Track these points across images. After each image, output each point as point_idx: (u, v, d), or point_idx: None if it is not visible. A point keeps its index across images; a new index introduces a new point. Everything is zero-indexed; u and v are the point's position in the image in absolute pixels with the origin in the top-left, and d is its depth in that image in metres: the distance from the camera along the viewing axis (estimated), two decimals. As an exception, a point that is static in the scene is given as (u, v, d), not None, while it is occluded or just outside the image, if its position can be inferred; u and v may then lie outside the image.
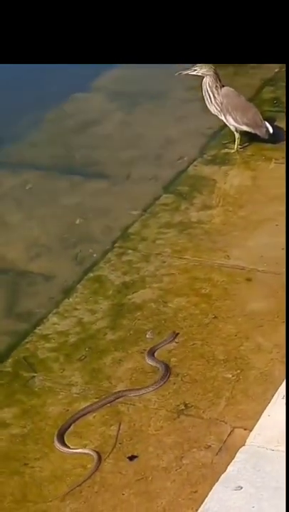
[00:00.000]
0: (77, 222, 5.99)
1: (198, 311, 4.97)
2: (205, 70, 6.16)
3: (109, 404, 4.45)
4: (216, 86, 6.22)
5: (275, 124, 6.59)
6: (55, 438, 4.24)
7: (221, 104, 6.23)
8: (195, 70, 6.16)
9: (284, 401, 3.68)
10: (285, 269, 5.16)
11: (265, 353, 4.61)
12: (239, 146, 6.38)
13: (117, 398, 4.47)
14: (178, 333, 4.81)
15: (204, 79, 6.21)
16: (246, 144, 6.44)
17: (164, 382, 4.48)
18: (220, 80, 6.25)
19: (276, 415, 3.67)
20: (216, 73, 6.20)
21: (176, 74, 6.25)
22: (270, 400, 3.86)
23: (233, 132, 6.41)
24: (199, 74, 6.19)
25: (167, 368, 4.55)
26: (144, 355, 4.69)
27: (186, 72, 6.22)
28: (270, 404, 3.75)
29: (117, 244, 5.64)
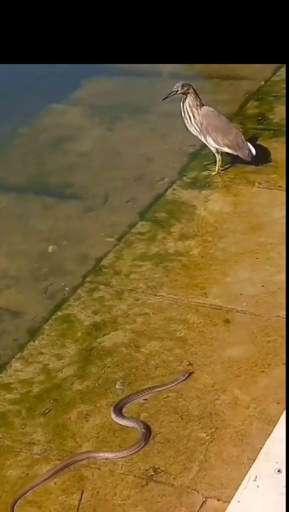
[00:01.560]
0: (50, 250, 5.54)
1: (172, 358, 4.52)
2: (185, 89, 5.66)
3: (72, 468, 3.99)
4: (196, 105, 5.73)
5: (259, 143, 6.10)
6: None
7: (201, 124, 5.74)
8: (176, 90, 5.66)
9: (255, 484, 3.23)
10: (264, 310, 4.71)
11: (242, 409, 4.17)
12: (220, 168, 5.91)
13: (81, 460, 4.01)
14: (192, 373, 4.34)
15: (185, 99, 5.70)
16: (228, 166, 5.96)
17: (143, 446, 4.01)
18: (200, 99, 5.75)
19: (246, 502, 3.21)
20: (195, 92, 5.71)
21: (162, 100, 5.73)
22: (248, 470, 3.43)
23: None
24: (180, 94, 5.68)
25: (147, 429, 4.07)
26: (110, 412, 4.22)
27: (170, 95, 5.70)
28: (240, 489, 3.30)
29: (88, 279, 5.18)
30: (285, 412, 3.58)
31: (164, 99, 5.73)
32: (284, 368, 4.31)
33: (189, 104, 5.75)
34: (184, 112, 5.78)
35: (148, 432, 4.06)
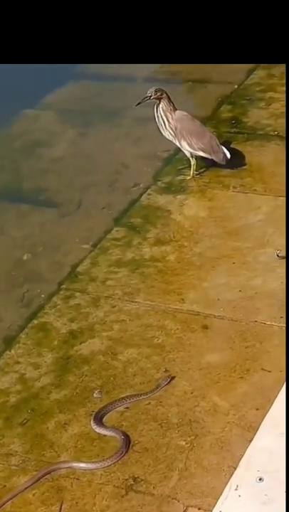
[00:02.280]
0: (25, 257, 5.49)
1: (150, 365, 4.48)
2: (158, 94, 5.63)
3: (50, 478, 3.94)
4: (170, 109, 5.70)
5: (233, 147, 6.08)
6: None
7: (176, 129, 5.70)
8: (149, 96, 5.62)
9: (237, 494, 3.19)
10: (241, 315, 4.69)
11: (222, 415, 4.13)
12: (195, 173, 5.88)
13: (59, 469, 3.97)
14: (174, 377, 4.32)
15: (158, 104, 5.67)
16: (202, 170, 5.94)
17: (121, 457, 3.98)
18: (173, 103, 5.72)
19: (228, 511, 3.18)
20: (168, 97, 5.68)
21: (136, 105, 5.70)
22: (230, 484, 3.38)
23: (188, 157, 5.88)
24: (153, 99, 5.64)
25: (127, 440, 4.03)
26: (90, 421, 4.18)
27: (144, 101, 5.66)
28: (221, 499, 3.27)
29: (64, 286, 5.13)
30: (265, 420, 3.55)
31: (137, 104, 5.69)
32: (262, 373, 4.29)
33: (163, 109, 5.72)
34: (158, 116, 5.75)
35: (128, 440, 4.01)
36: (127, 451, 3.99)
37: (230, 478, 3.45)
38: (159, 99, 5.67)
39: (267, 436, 3.42)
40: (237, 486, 3.25)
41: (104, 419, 4.19)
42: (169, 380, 4.31)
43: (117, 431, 4.08)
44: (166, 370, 4.41)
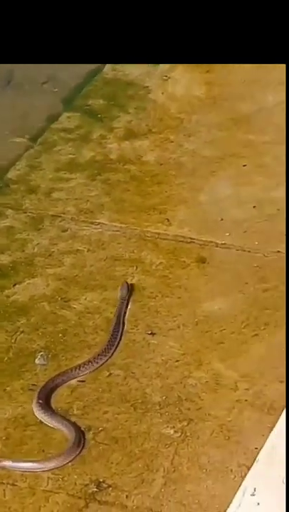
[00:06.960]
0: None
1: (119, 317, 4.56)
2: None
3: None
4: None
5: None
6: None
7: None
8: None
9: (254, 501, 3.28)
10: (257, 243, 4.80)
11: (228, 391, 4.21)
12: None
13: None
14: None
15: None
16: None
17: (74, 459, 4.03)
18: None
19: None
20: None
21: None
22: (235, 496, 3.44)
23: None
24: None
25: (80, 436, 4.09)
26: (33, 401, 4.23)
27: None
28: (231, 508, 3.33)
29: (-12, 200, 5.19)
30: None
31: None
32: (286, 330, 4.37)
33: None
34: None
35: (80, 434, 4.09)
36: (84, 445, 4.05)
37: (242, 480, 3.51)
38: None
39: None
40: (254, 489, 3.31)
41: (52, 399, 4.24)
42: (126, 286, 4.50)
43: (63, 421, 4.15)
44: (151, 333, 4.46)
